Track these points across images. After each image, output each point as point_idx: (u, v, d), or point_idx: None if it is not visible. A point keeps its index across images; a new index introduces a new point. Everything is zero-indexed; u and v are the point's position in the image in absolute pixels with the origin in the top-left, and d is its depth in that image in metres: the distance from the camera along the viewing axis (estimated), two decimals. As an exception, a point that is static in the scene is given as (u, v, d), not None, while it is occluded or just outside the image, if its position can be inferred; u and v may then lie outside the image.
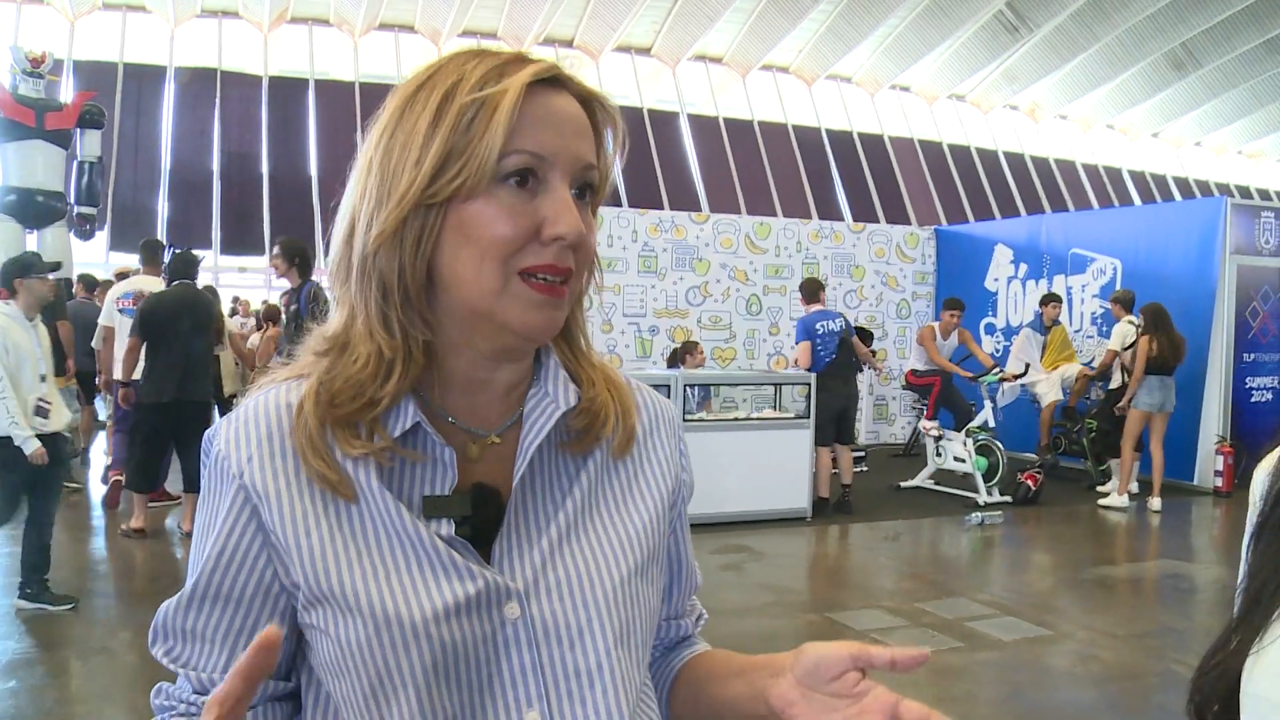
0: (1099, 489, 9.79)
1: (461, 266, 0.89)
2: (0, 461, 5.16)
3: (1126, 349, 9.49)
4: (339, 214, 0.95)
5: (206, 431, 0.95)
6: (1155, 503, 9.06)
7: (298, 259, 6.93)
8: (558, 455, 0.99)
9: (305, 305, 6.76)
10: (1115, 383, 9.71)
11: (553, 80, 0.91)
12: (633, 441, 1.04)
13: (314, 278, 7.06)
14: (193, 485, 7.12)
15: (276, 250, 7.03)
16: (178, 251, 7.62)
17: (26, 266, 5.55)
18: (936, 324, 10.25)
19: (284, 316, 7.97)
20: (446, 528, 0.91)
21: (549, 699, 0.91)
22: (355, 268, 0.92)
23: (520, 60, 0.91)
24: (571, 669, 0.93)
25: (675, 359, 9.74)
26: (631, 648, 0.97)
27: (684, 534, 1.13)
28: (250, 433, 0.92)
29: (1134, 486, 9.29)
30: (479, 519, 0.93)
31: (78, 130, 12.84)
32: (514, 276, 0.88)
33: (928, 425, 9.93)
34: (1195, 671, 1.11)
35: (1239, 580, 1.11)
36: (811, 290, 9.02)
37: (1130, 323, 9.57)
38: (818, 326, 8.68)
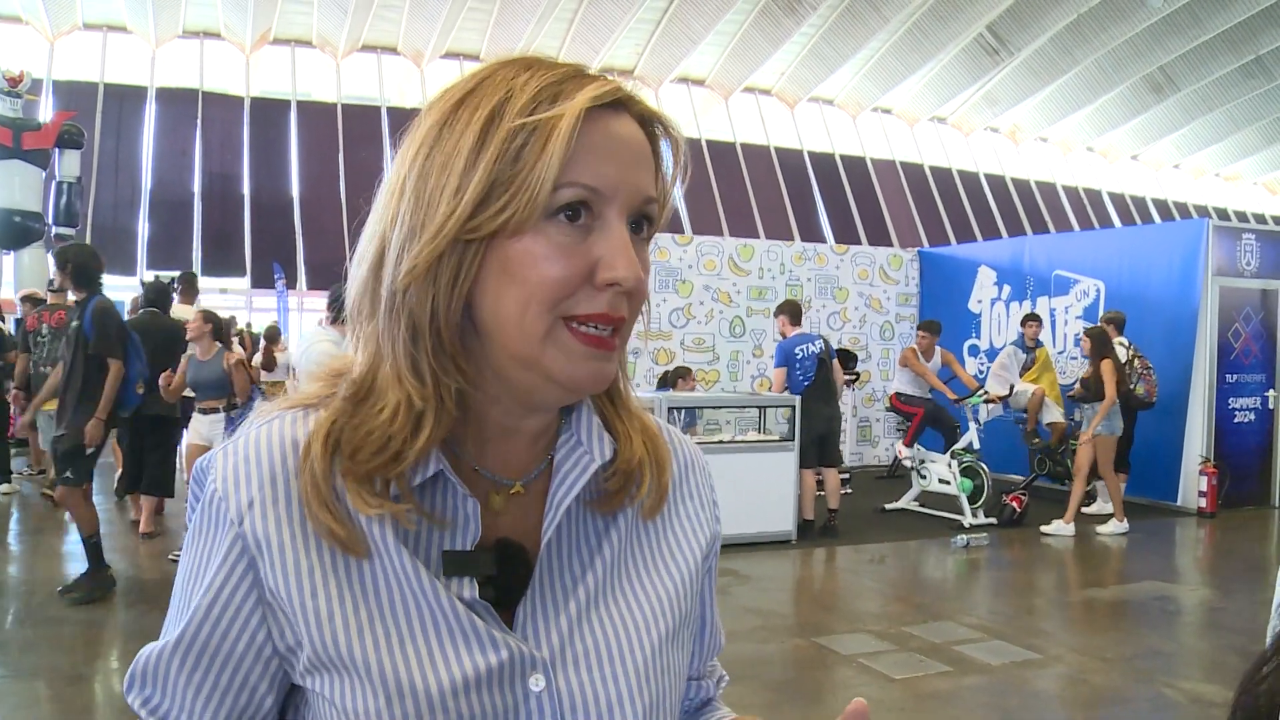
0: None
1: (504, 309, 0.79)
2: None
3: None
4: (364, 239, 0.85)
5: (199, 461, 0.84)
6: (1113, 524, 9.05)
7: (70, 265, 6.26)
8: (584, 512, 0.90)
9: (91, 325, 6.10)
10: None
11: (613, 103, 0.81)
12: (664, 502, 0.95)
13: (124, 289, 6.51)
14: (150, 488, 7.92)
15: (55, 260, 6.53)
16: (148, 282, 8.15)
17: None
18: (915, 346, 10.27)
19: (40, 336, 8.28)
20: (470, 589, 0.82)
21: None
22: (384, 303, 0.81)
23: (578, 76, 0.80)
24: None
25: (666, 383, 9.68)
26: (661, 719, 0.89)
27: (711, 592, 1.04)
28: (252, 473, 0.81)
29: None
30: (503, 579, 0.84)
31: (56, 150, 12.76)
32: (559, 323, 0.79)
33: (904, 453, 9.91)
34: (1235, 693, 1.08)
35: (1276, 601, 1.10)
36: (796, 312, 8.98)
37: (1121, 344, 9.58)
38: (797, 351, 8.65)
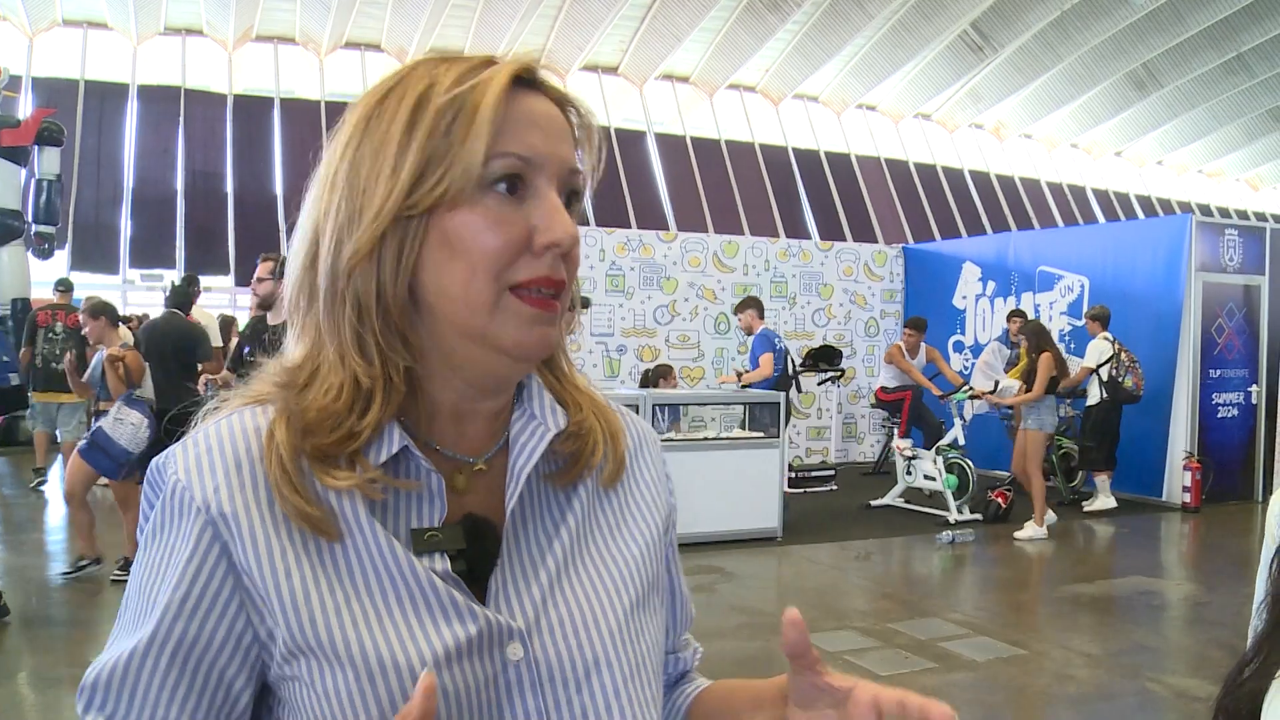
0: (1085, 508, 9.82)
1: (448, 283, 0.81)
2: None
3: (1103, 365, 9.54)
4: (296, 236, 0.87)
5: (154, 461, 0.83)
6: (1031, 529, 8.61)
7: None
8: (545, 486, 0.92)
9: None
10: (1094, 398, 9.73)
11: (530, 83, 0.85)
12: (623, 469, 0.97)
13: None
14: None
15: None
16: (175, 285, 8.35)
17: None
18: (901, 343, 10.28)
19: (53, 333, 9.01)
20: (441, 563, 0.83)
21: None
22: (324, 291, 0.83)
23: (494, 62, 0.84)
24: (580, 712, 0.85)
25: (648, 381, 9.66)
26: (642, 684, 0.90)
27: (675, 564, 1.06)
28: (215, 460, 0.81)
29: (1050, 516, 8.84)
30: (472, 553, 0.85)
31: (35, 147, 12.63)
32: (506, 292, 0.81)
33: (901, 444, 9.89)
34: (1220, 691, 1.10)
35: (1256, 600, 1.12)
36: (761, 307, 9.19)
37: (1105, 339, 9.61)
38: (775, 341, 8.86)
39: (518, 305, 0.81)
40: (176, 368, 7.22)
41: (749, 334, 9.14)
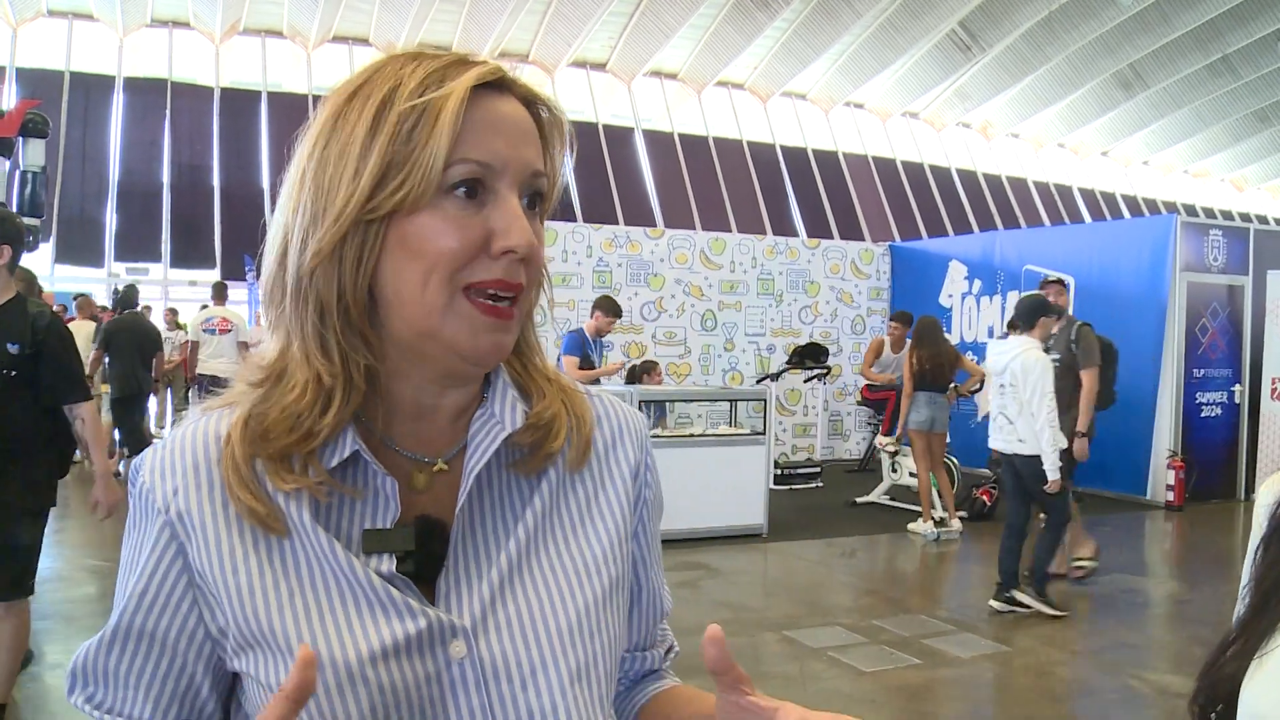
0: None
1: (404, 284, 0.82)
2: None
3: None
4: (270, 231, 0.89)
5: (134, 460, 0.88)
6: (925, 526, 8.48)
7: None
8: (508, 478, 0.92)
9: None
10: None
11: (497, 84, 0.85)
12: (588, 454, 0.96)
13: None
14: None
15: None
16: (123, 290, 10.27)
17: (1046, 305, 6.38)
18: (886, 337, 10.28)
19: None
20: (386, 563, 0.84)
21: None
22: (289, 289, 0.85)
23: (462, 63, 0.85)
24: (524, 711, 0.86)
25: (633, 377, 9.66)
26: (590, 685, 0.89)
27: (649, 555, 1.03)
28: (176, 463, 0.85)
29: (938, 513, 8.66)
30: (424, 553, 0.86)
31: (20, 139, 12.53)
32: (459, 294, 0.82)
33: (884, 441, 9.92)
34: (1200, 672, 1.13)
35: (1241, 586, 1.15)
36: (609, 307, 8.42)
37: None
38: (582, 343, 8.28)
39: (469, 309, 0.82)
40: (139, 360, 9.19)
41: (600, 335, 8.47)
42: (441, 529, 0.87)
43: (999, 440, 6.38)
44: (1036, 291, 7.24)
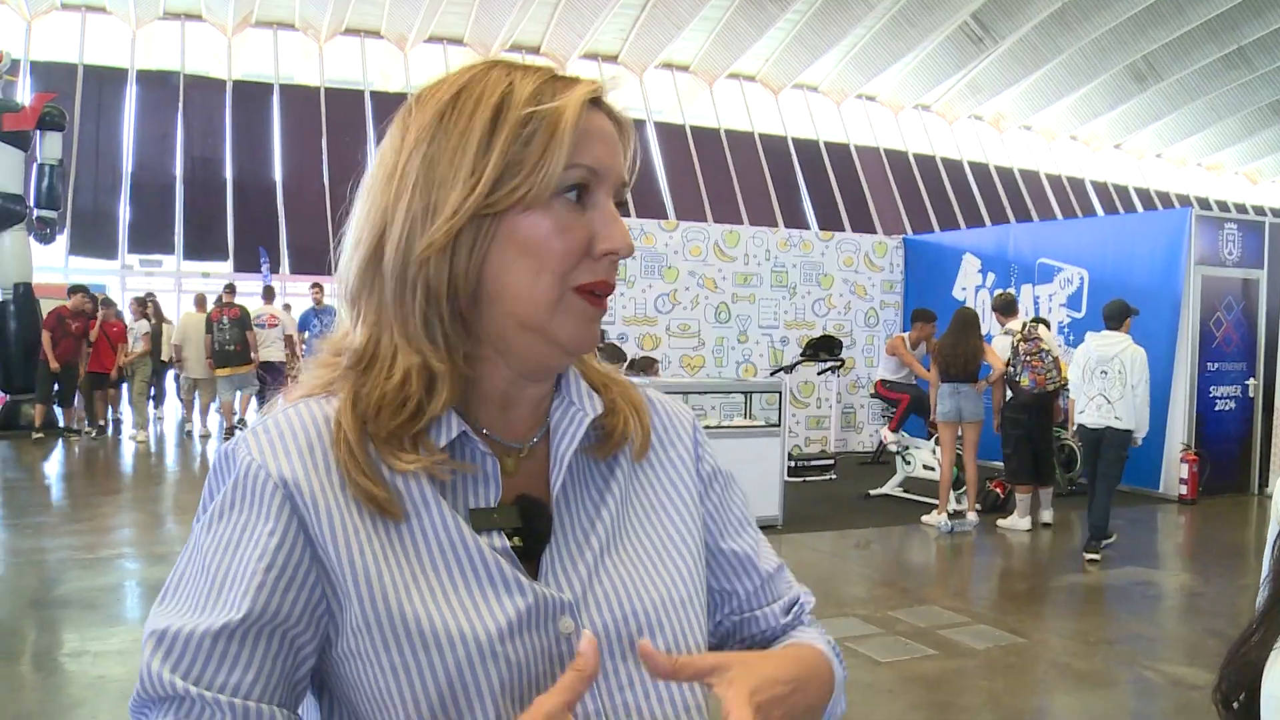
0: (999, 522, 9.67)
1: (514, 278, 0.87)
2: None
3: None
4: (357, 223, 0.91)
5: (220, 448, 0.87)
6: (971, 517, 8.59)
7: None
8: (585, 462, 0.98)
9: None
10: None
11: (593, 100, 0.91)
12: (649, 439, 1.03)
13: None
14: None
15: None
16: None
17: (1128, 306, 7.77)
18: (906, 335, 10.26)
19: (221, 325, 12.93)
20: (500, 540, 0.88)
21: (606, 715, 0.89)
22: (392, 279, 0.88)
23: (561, 77, 0.91)
24: (626, 681, 0.90)
25: (634, 370, 9.69)
26: (688, 651, 0.94)
27: (735, 521, 1.08)
28: (288, 443, 0.86)
29: (952, 505, 8.64)
30: (526, 531, 0.91)
31: (37, 132, 12.61)
32: (569, 291, 0.88)
33: (889, 437, 9.94)
34: (1223, 662, 1.15)
35: (1263, 576, 1.17)
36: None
37: (1006, 333, 9.02)
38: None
39: (580, 304, 0.89)
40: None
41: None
42: (542, 507, 0.92)
43: (1094, 417, 7.65)
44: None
